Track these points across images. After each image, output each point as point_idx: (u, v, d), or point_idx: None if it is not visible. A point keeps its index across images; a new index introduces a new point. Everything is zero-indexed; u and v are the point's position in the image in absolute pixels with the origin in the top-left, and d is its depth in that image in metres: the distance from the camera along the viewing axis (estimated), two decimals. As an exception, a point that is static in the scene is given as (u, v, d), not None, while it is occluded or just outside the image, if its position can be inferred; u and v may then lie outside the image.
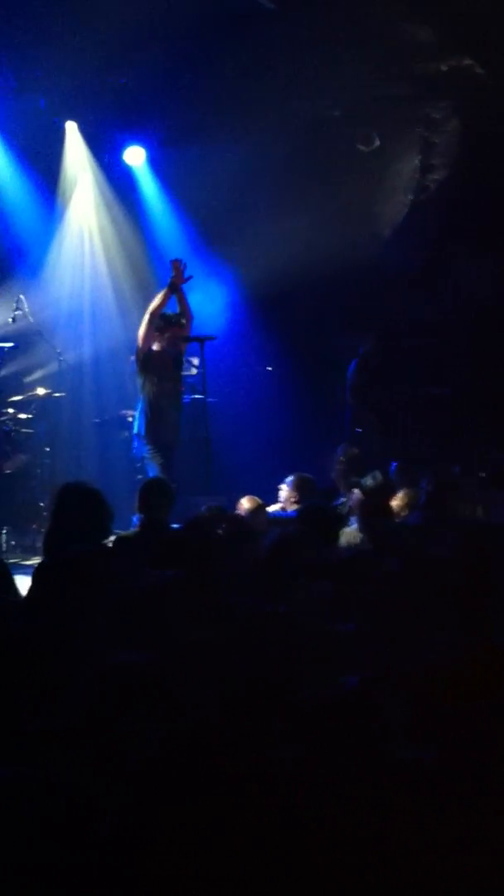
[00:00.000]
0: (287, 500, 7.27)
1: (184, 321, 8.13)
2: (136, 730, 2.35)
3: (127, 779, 2.25)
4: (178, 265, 8.01)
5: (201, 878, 1.98)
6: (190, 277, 8.06)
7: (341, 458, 7.43)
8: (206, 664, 2.58)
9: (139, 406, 8.14)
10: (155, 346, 8.02)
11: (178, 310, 8.13)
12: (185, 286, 8.11)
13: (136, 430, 8.16)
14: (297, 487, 7.21)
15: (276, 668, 2.91)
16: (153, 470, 7.93)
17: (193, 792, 2.11)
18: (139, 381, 8.13)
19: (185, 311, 8.13)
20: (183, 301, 8.12)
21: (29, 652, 2.58)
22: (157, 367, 8.04)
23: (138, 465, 8.45)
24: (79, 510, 4.51)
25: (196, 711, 2.33)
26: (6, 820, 1.88)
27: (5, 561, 4.85)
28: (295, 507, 6.91)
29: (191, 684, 2.44)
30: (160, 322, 7.98)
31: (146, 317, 8.00)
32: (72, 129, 10.63)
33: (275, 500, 7.40)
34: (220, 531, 4.95)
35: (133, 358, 8.22)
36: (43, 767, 2.11)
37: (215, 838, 2.02)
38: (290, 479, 7.29)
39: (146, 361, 8.02)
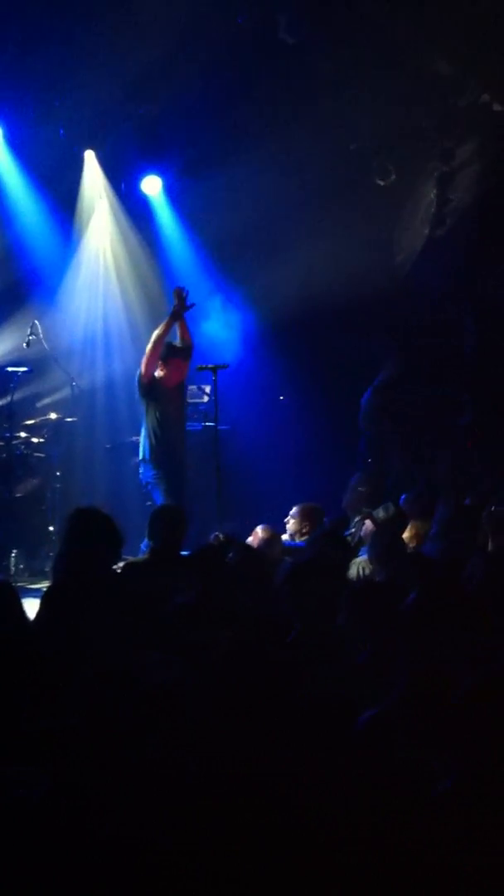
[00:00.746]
0: (296, 531, 7.21)
1: (187, 350, 8.20)
2: (143, 734, 2.33)
3: (131, 780, 2.23)
4: (180, 293, 8.11)
5: (204, 879, 1.95)
6: (192, 306, 8.17)
7: (355, 488, 7.39)
8: (217, 681, 2.55)
9: (143, 432, 8.22)
10: (158, 374, 8.10)
11: (178, 336, 8.19)
12: (196, 313, 8.24)
13: (140, 455, 8.23)
14: (305, 516, 7.16)
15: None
16: (159, 494, 7.96)
17: (199, 796, 2.08)
18: (143, 406, 8.20)
19: (186, 340, 8.20)
20: (184, 329, 8.22)
21: (39, 666, 2.55)
22: (160, 394, 8.13)
23: (145, 490, 8.46)
24: (90, 535, 4.48)
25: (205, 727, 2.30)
26: (11, 818, 1.85)
27: (13, 584, 4.82)
28: (303, 537, 6.86)
29: (203, 699, 2.41)
30: (165, 351, 8.07)
31: (150, 345, 8.12)
32: (90, 158, 10.73)
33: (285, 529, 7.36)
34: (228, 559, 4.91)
35: (136, 384, 8.26)
36: (50, 767, 2.08)
37: (218, 840, 1.99)
38: (295, 509, 7.23)
39: (149, 388, 8.11)
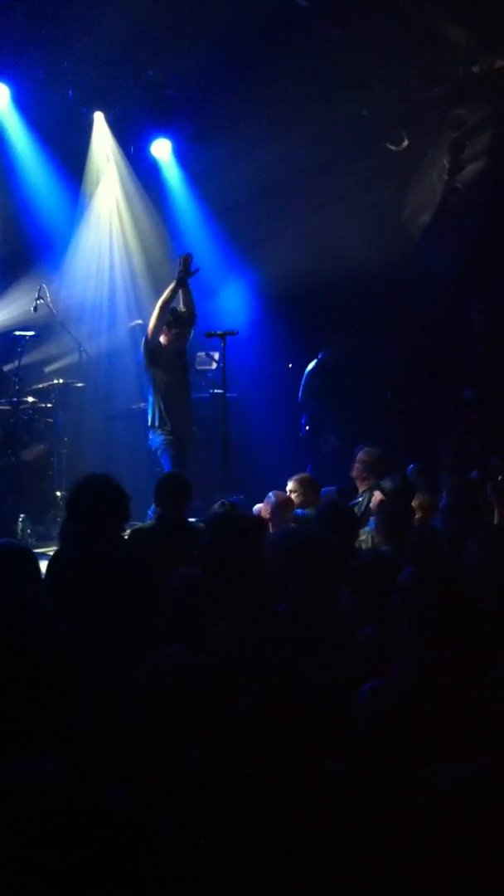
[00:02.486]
0: (298, 501, 7.19)
1: (191, 318, 8.18)
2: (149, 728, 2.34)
3: (137, 771, 2.24)
4: (184, 260, 8.07)
5: (207, 868, 1.96)
6: (196, 271, 8.12)
7: (361, 459, 7.37)
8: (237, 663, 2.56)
9: (150, 398, 8.22)
10: (162, 339, 8.09)
11: (181, 303, 8.18)
12: (205, 279, 8.19)
13: (148, 422, 8.24)
14: (306, 486, 7.11)
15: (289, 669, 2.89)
16: (167, 460, 7.98)
17: (203, 787, 2.09)
18: (149, 373, 8.20)
19: (190, 307, 8.18)
20: (188, 296, 8.19)
21: (54, 649, 2.56)
22: (165, 360, 8.13)
23: (153, 457, 8.47)
24: (98, 501, 4.48)
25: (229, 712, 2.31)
26: (32, 813, 1.87)
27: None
28: (303, 507, 6.85)
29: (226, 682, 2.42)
30: (170, 317, 8.05)
31: (156, 310, 8.10)
32: (99, 119, 10.61)
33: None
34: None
35: (141, 350, 8.27)
36: (69, 762, 2.10)
37: (222, 831, 2.00)
38: (295, 479, 7.20)
39: (154, 354, 8.11)
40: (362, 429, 9.75)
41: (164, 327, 8.08)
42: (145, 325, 8.46)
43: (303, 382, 10.09)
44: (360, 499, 7.12)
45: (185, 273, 8.07)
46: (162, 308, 8.04)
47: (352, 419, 10.04)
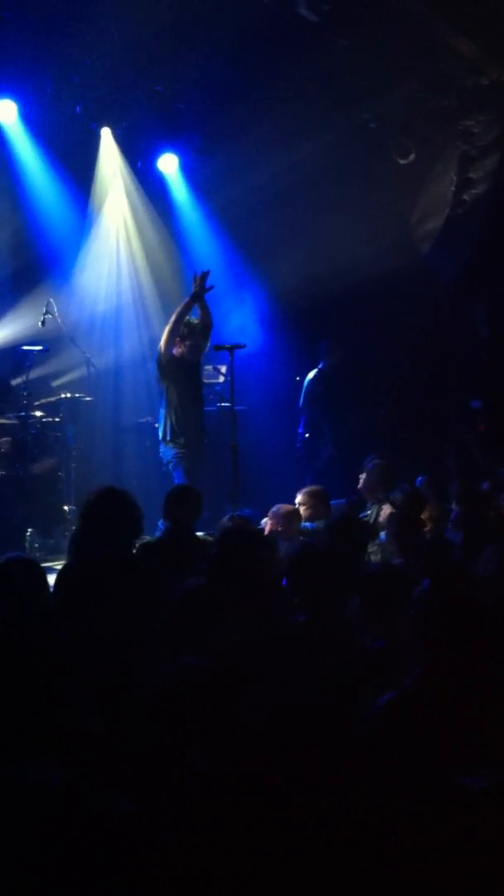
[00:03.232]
0: (307, 514, 7.16)
1: (206, 330, 8.20)
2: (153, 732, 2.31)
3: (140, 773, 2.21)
4: (202, 277, 8.08)
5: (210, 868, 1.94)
6: (211, 287, 8.15)
7: (371, 471, 7.34)
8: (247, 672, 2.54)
9: (162, 411, 8.23)
10: (175, 352, 8.12)
11: (198, 316, 8.20)
12: (213, 292, 8.24)
13: (161, 435, 8.24)
14: (316, 499, 7.07)
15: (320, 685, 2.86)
16: (179, 473, 7.97)
17: (207, 790, 2.07)
18: (162, 386, 8.22)
19: (207, 320, 8.21)
20: (205, 310, 8.24)
21: (60, 654, 2.54)
22: (178, 373, 8.17)
23: (164, 469, 8.45)
24: (110, 514, 4.48)
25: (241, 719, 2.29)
26: (34, 816, 1.84)
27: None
28: (311, 520, 6.82)
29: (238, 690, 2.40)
30: (184, 329, 8.08)
31: (169, 325, 8.15)
32: (106, 135, 10.66)
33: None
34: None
35: (155, 362, 8.29)
36: (72, 766, 2.07)
37: (226, 832, 1.98)
38: (304, 492, 7.16)
39: (167, 367, 8.14)
40: (360, 437, 9.75)
41: (178, 339, 8.11)
42: (158, 338, 8.49)
43: (303, 390, 10.08)
44: (370, 511, 7.09)
45: (201, 290, 8.11)
46: (175, 321, 8.09)
47: (349, 427, 10.04)
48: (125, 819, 1.99)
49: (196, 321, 8.24)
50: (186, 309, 8.18)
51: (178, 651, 2.70)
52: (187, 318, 8.20)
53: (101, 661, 2.75)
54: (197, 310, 8.26)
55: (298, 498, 6.97)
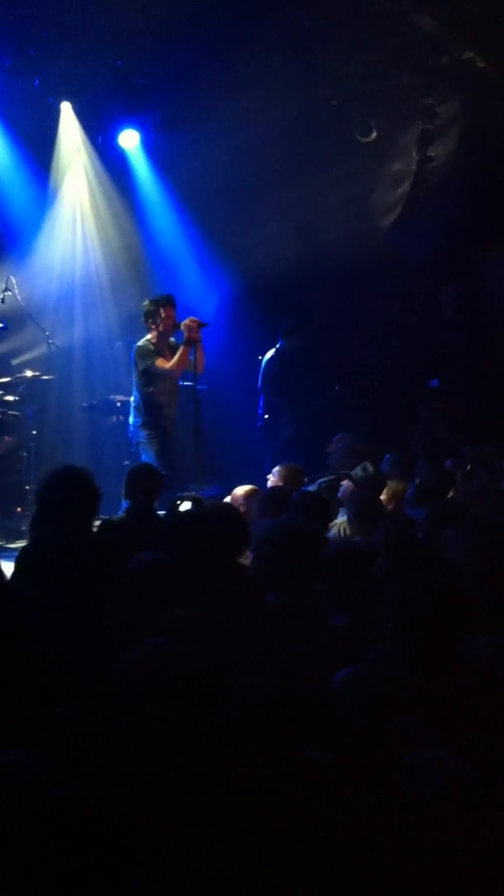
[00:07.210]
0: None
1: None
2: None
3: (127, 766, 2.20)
4: (191, 325, 7.85)
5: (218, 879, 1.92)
6: (206, 325, 7.98)
7: (338, 449, 7.34)
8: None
9: (135, 401, 8.10)
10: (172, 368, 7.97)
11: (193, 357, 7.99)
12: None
13: (132, 416, 8.15)
14: (289, 476, 7.06)
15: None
16: (148, 456, 7.88)
17: (214, 787, 2.05)
18: (140, 379, 8.02)
19: (199, 370, 8.00)
20: (199, 353, 7.99)
21: (23, 634, 2.50)
22: (164, 376, 8.01)
23: (133, 449, 8.38)
24: (68, 494, 4.43)
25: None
26: (14, 809, 1.81)
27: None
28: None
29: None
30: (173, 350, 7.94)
31: (172, 368, 7.91)
32: (66, 109, 10.51)
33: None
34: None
35: (141, 370, 8.05)
36: (54, 756, 2.04)
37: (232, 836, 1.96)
38: (278, 469, 7.15)
39: (156, 375, 7.96)
40: (322, 417, 9.74)
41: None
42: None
43: (261, 370, 10.03)
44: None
45: (195, 335, 7.85)
46: (178, 369, 7.88)
47: (311, 407, 10.04)
48: (108, 810, 1.96)
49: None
50: (183, 359, 7.86)
51: (144, 630, 2.67)
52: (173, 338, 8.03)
53: (67, 645, 2.71)
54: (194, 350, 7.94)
55: (271, 477, 6.95)
